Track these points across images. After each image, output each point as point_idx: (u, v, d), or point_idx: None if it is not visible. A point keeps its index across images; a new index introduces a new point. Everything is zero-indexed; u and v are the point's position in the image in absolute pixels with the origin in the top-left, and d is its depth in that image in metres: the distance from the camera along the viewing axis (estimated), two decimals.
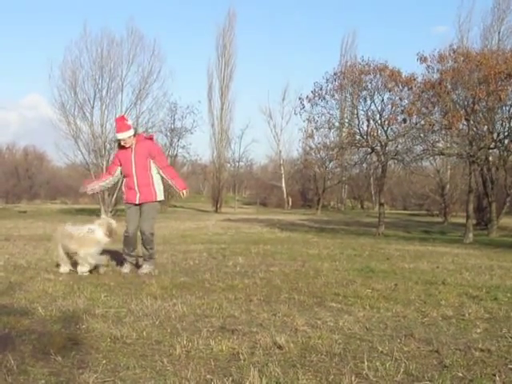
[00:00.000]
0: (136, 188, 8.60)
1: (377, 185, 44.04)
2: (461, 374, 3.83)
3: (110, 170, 9.04)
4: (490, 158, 27.58)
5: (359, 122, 26.69)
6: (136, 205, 8.67)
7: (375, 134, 25.88)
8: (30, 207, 52.05)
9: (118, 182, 9.28)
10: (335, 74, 26.09)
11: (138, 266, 8.91)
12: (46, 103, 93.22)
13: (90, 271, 8.27)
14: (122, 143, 8.62)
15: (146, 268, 8.63)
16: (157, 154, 8.78)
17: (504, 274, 9.41)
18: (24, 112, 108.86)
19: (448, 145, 26.09)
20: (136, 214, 8.72)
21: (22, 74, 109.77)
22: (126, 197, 8.81)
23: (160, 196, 8.77)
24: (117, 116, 8.41)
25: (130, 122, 8.86)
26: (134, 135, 8.66)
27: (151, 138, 9.08)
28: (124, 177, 8.79)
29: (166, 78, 46.33)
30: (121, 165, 8.75)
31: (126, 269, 8.69)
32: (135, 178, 8.59)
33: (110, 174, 9.04)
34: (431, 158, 30.69)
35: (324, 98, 26.03)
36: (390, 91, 24.98)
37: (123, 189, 8.82)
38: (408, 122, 24.80)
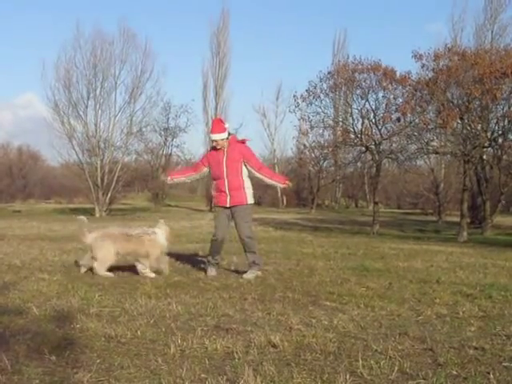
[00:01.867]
0: (227, 191, 8.46)
1: (371, 183, 44.10)
2: (455, 372, 3.84)
3: (196, 168, 9.04)
4: (484, 157, 27.62)
5: (353, 120, 26.71)
6: (226, 208, 8.54)
7: (369, 133, 25.90)
8: (24, 207, 51.89)
9: (199, 179, 9.39)
10: (329, 72, 26.11)
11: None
12: (40, 102, 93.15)
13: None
14: (214, 144, 8.51)
15: (250, 273, 8.31)
16: (251, 156, 8.66)
17: (498, 272, 9.43)
18: (18, 111, 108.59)
19: (442, 143, 26.13)
20: (225, 219, 8.58)
21: (16, 74, 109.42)
22: (217, 200, 8.69)
23: (250, 199, 8.61)
24: (214, 117, 8.29)
25: (226, 125, 8.67)
26: (227, 138, 8.53)
27: (243, 142, 8.80)
28: (213, 179, 8.70)
29: (160, 77, 46.57)
30: (210, 166, 8.64)
31: (213, 272, 8.49)
32: (226, 181, 8.45)
33: (194, 170, 9.03)
34: (425, 156, 30.73)
35: (319, 97, 26.04)
36: (384, 89, 24.99)
37: (213, 192, 8.69)
38: (402, 120, 24.82)
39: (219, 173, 8.50)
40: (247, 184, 8.62)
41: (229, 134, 8.61)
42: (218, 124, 8.68)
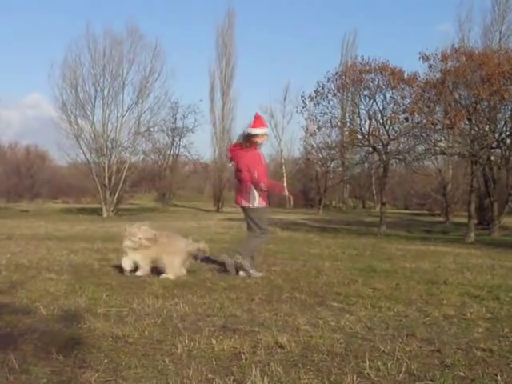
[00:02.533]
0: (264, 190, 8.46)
1: (378, 184, 44.11)
2: (462, 374, 3.83)
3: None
4: (492, 158, 27.57)
5: (361, 121, 26.70)
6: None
7: (377, 134, 25.88)
8: (31, 206, 52.09)
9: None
10: (337, 73, 26.11)
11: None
12: (47, 102, 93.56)
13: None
14: (260, 140, 8.39)
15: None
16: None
17: (506, 273, 9.40)
18: (26, 111, 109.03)
19: (450, 144, 26.08)
20: None
21: (24, 73, 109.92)
22: (265, 199, 8.54)
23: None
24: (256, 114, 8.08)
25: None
26: None
27: None
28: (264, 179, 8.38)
29: (168, 77, 46.73)
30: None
31: (258, 273, 8.42)
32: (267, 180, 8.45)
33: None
34: (433, 157, 30.67)
35: (326, 97, 26.04)
36: (392, 89, 24.96)
37: (258, 191, 8.37)
38: (410, 120, 24.80)
39: (264, 172, 8.42)
40: None
41: None
42: (262, 119, 8.56)
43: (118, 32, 45.38)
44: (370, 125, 26.11)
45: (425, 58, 24.07)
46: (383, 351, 4.33)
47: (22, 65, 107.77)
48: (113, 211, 41.54)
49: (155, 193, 62.75)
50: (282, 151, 65.99)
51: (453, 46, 25.33)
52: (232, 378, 3.70)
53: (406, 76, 24.68)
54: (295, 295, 6.63)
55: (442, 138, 25.68)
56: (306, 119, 28.01)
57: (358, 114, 26.93)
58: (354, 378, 3.68)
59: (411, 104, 24.38)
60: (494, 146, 25.02)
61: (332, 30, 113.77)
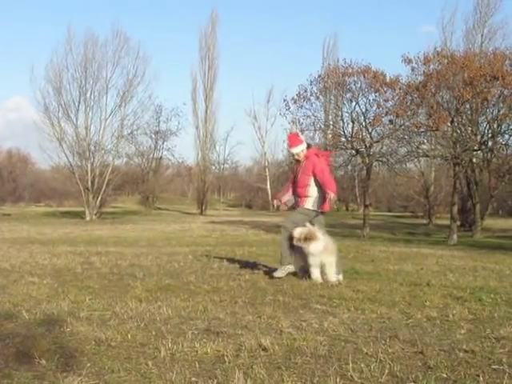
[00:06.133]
0: (297, 198, 8.75)
1: (361, 187, 44.13)
2: (445, 375, 3.84)
3: (288, 188, 9.09)
4: (474, 160, 27.75)
5: (344, 123, 26.77)
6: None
7: (360, 136, 25.96)
8: (14, 210, 51.76)
9: None
10: (319, 76, 26.16)
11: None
12: (29, 105, 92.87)
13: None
14: (296, 157, 8.77)
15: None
16: (318, 172, 8.53)
17: (488, 275, 9.46)
18: (7, 114, 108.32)
19: (432, 147, 26.24)
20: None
21: (4, 76, 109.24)
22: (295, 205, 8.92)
23: (309, 205, 8.65)
24: (290, 133, 8.85)
25: (302, 138, 9.02)
26: (308, 148, 8.72)
27: (318, 155, 8.78)
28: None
29: (151, 81, 46.68)
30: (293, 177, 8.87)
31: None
32: (296, 191, 8.71)
33: (287, 190, 9.09)
34: (416, 159, 30.84)
35: (309, 100, 26.09)
36: (375, 92, 25.04)
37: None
38: (394, 122, 24.90)
39: (294, 184, 8.86)
40: (312, 193, 8.72)
41: (307, 145, 8.87)
42: (294, 137, 8.98)
43: (102, 34, 45.26)
44: (353, 127, 26.20)
45: (407, 60, 24.21)
46: (366, 353, 4.33)
47: (2, 68, 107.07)
48: (96, 214, 41.38)
49: (138, 196, 62.59)
50: (265, 154, 66.17)
51: (435, 49, 25.49)
52: (215, 381, 3.69)
53: (388, 79, 24.78)
54: (278, 298, 6.63)
55: (425, 141, 25.86)
56: (289, 122, 28.04)
57: (341, 116, 27.02)
58: (338, 380, 3.69)
59: (396, 106, 24.49)
60: (476, 148, 25.19)
61: (314, 33, 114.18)
